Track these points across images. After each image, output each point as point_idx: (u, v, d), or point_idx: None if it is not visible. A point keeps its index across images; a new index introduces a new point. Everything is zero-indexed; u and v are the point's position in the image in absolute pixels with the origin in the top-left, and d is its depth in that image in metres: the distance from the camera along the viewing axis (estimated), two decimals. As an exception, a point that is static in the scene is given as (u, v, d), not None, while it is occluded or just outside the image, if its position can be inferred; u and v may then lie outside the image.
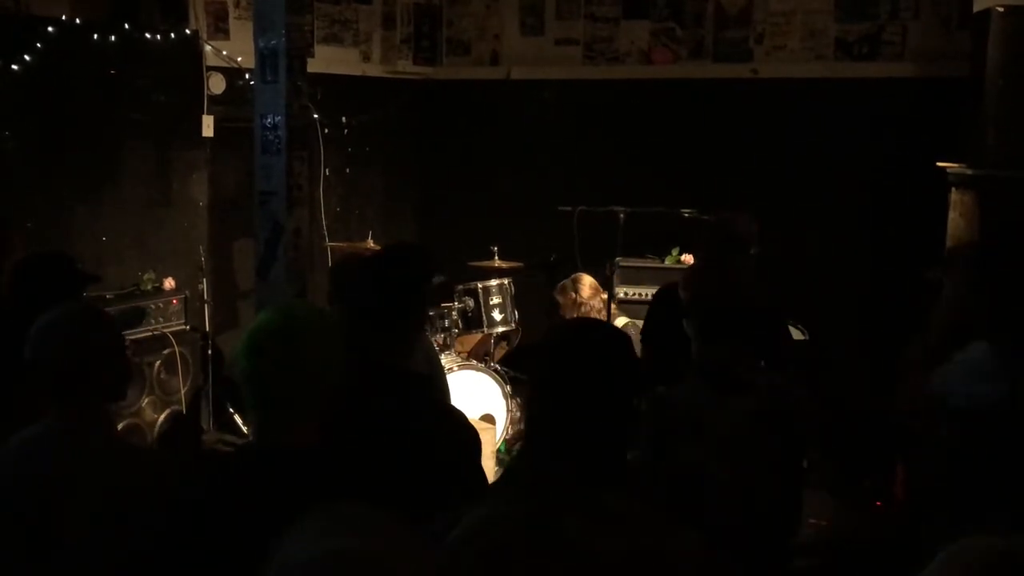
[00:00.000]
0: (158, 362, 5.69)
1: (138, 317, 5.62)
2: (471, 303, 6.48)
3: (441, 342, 6.41)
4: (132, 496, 2.43)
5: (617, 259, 6.23)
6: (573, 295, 6.20)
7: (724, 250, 4.36)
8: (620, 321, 6.03)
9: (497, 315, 6.57)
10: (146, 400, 5.57)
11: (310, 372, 2.21)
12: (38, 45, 5.47)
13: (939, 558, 1.44)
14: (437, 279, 6.46)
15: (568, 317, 6.25)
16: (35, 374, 2.51)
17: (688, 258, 6.62)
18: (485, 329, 6.58)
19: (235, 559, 2.10)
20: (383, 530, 1.45)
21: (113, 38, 5.87)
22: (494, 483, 2.06)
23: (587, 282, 6.19)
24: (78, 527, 2.39)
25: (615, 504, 1.88)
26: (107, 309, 5.21)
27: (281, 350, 2.19)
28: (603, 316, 6.06)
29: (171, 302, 5.92)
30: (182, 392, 5.77)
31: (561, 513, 1.82)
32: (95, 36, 5.80)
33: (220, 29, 6.58)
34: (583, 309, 6.19)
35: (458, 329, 6.53)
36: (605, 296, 6.16)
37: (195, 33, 6.37)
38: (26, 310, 2.73)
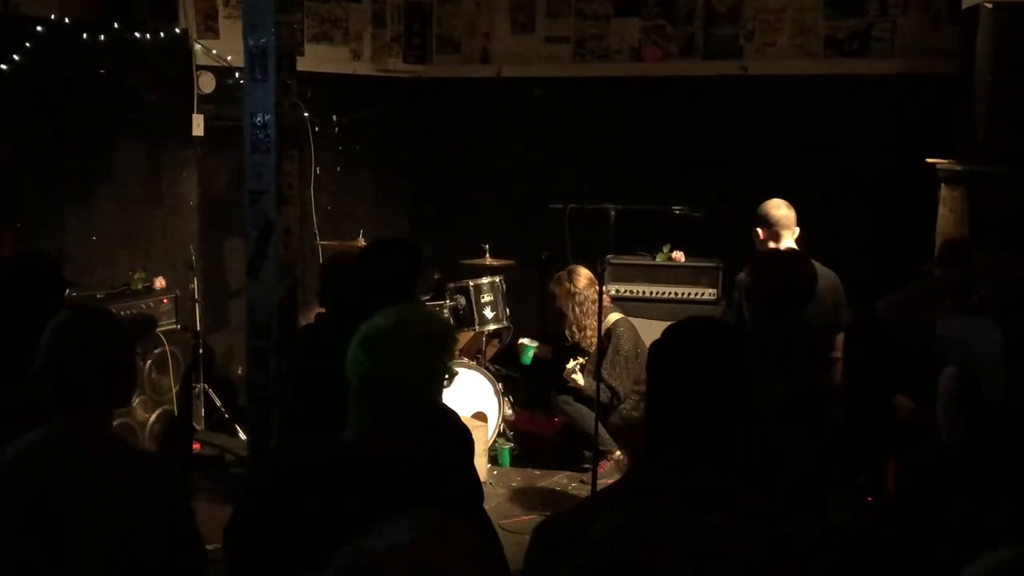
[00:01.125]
0: (149, 361, 5.67)
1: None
2: (463, 301, 6.49)
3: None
4: (138, 499, 2.42)
5: (608, 256, 6.23)
6: (568, 286, 6.22)
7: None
8: (614, 316, 6.03)
9: (489, 313, 6.58)
10: (137, 400, 5.56)
11: (420, 378, 2.24)
12: (27, 45, 5.46)
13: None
14: (434, 275, 6.46)
15: (563, 308, 6.27)
16: (45, 377, 2.50)
17: (678, 255, 6.62)
18: (477, 327, 6.59)
19: (322, 554, 2.10)
20: (462, 535, 1.46)
21: (103, 38, 5.87)
22: (620, 485, 2.08)
23: (583, 274, 6.21)
24: (86, 532, 2.38)
25: (749, 499, 1.92)
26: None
27: (395, 354, 2.21)
28: (595, 308, 6.07)
29: (162, 301, 5.92)
30: (173, 392, 5.76)
31: (705, 510, 1.86)
32: (85, 36, 5.79)
33: (210, 28, 6.57)
34: (577, 299, 6.20)
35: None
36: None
37: (185, 32, 6.37)
38: (7, 311, 2.72)
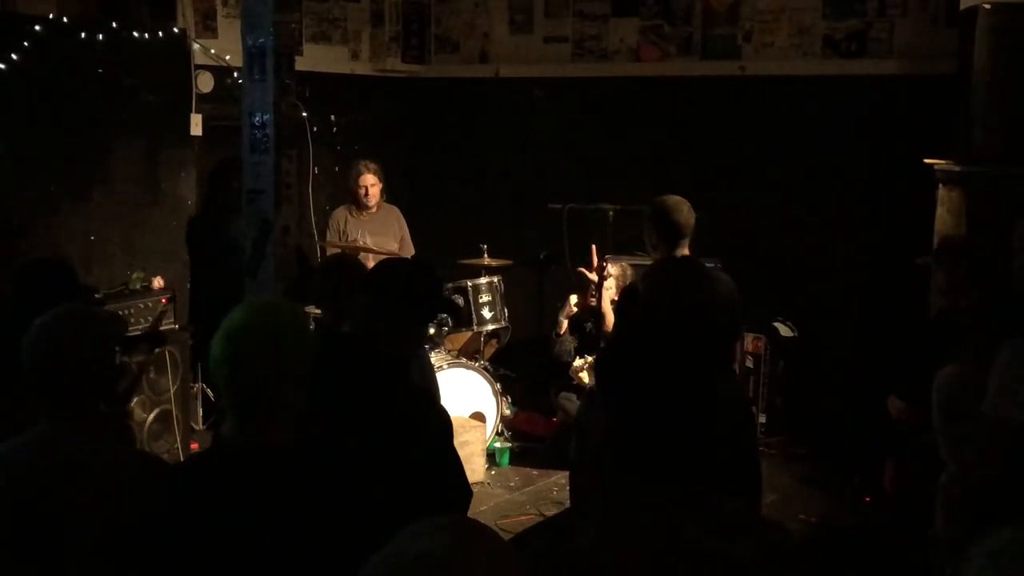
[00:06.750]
0: (146, 360, 5.66)
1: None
2: (460, 301, 6.49)
3: (438, 340, 6.44)
4: (121, 500, 2.41)
5: (607, 256, 6.24)
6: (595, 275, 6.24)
7: (670, 241, 4.46)
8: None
9: (487, 313, 6.57)
10: (135, 400, 5.55)
11: (287, 368, 2.20)
12: (25, 44, 5.46)
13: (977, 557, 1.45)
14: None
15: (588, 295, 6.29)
16: (27, 379, 2.50)
17: (677, 255, 6.62)
18: (475, 327, 6.59)
19: (215, 556, 2.10)
20: (492, 539, 1.46)
21: (101, 37, 5.86)
22: (594, 498, 2.03)
23: (614, 272, 6.17)
24: (76, 534, 2.37)
25: (724, 508, 1.87)
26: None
27: (258, 347, 2.18)
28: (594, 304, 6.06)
29: (160, 301, 5.91)
30: (171, 391, 5.75)
31: (683, 523, 1.80)
32: (83, 35, 5.79)
33: (208, 27, 6.57)
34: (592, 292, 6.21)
35: (447, 327, 6.54)
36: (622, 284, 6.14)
37: (183, 31, 6.37)
38: (27, 315, 2.72)
